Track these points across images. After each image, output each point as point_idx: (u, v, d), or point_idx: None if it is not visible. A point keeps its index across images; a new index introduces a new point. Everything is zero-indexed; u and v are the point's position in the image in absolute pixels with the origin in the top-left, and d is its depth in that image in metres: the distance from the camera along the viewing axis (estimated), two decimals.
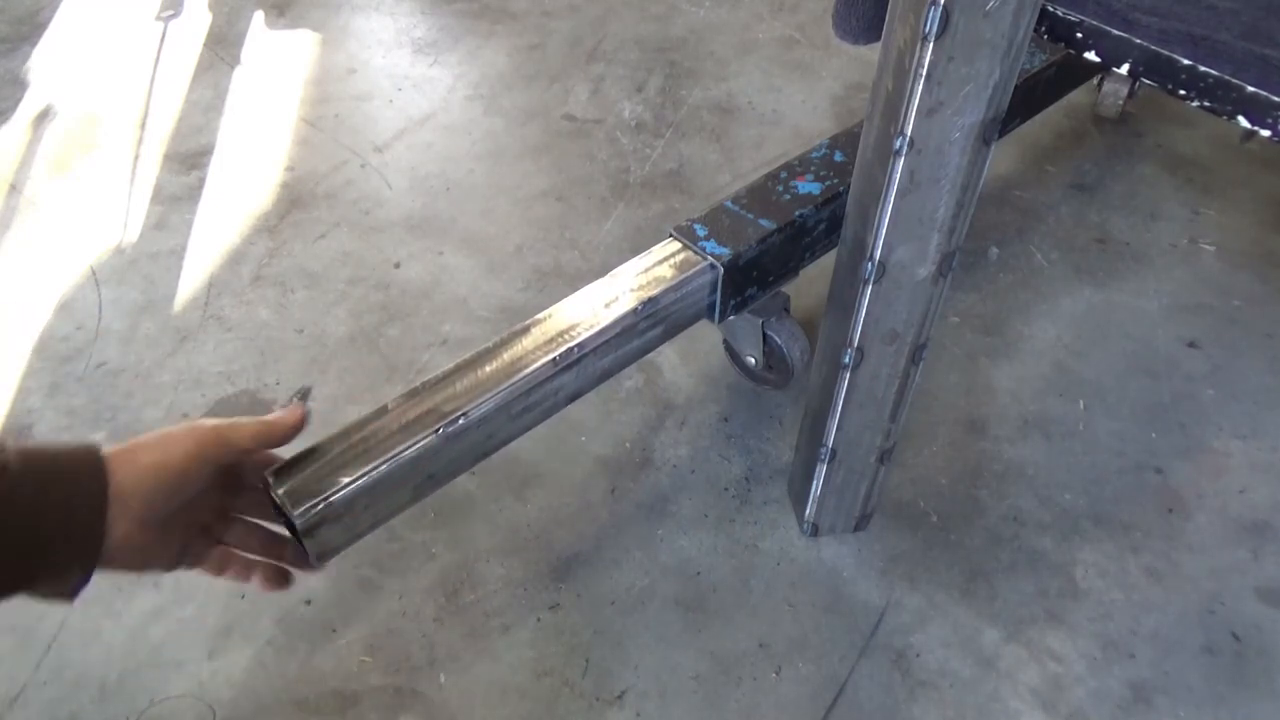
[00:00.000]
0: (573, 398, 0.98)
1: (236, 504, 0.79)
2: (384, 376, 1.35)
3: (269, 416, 0.75)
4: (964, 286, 1.45)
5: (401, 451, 0.82)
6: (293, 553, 0.81)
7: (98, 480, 0.61)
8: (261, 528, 0.80)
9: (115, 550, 0.63)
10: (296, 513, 0.76)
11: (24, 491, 0.57)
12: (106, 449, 0.64)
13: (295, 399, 1.30)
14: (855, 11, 1.00)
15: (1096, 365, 1.34)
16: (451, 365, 0.90)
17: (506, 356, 0.91)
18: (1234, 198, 1.59)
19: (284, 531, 0.80)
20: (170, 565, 0.71)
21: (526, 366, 0.90)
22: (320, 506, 0.77)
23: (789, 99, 1.82)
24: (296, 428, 0.76)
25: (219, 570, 0.76)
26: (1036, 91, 1.38)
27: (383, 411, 0.85)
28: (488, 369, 0.89)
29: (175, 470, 0.65)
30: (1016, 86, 0.75)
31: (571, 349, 0.93)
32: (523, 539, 1.17)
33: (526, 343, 0.93)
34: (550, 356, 0.91)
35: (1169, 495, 1.19)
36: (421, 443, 0.83)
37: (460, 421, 0.85)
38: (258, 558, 0.78)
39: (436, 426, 0.84)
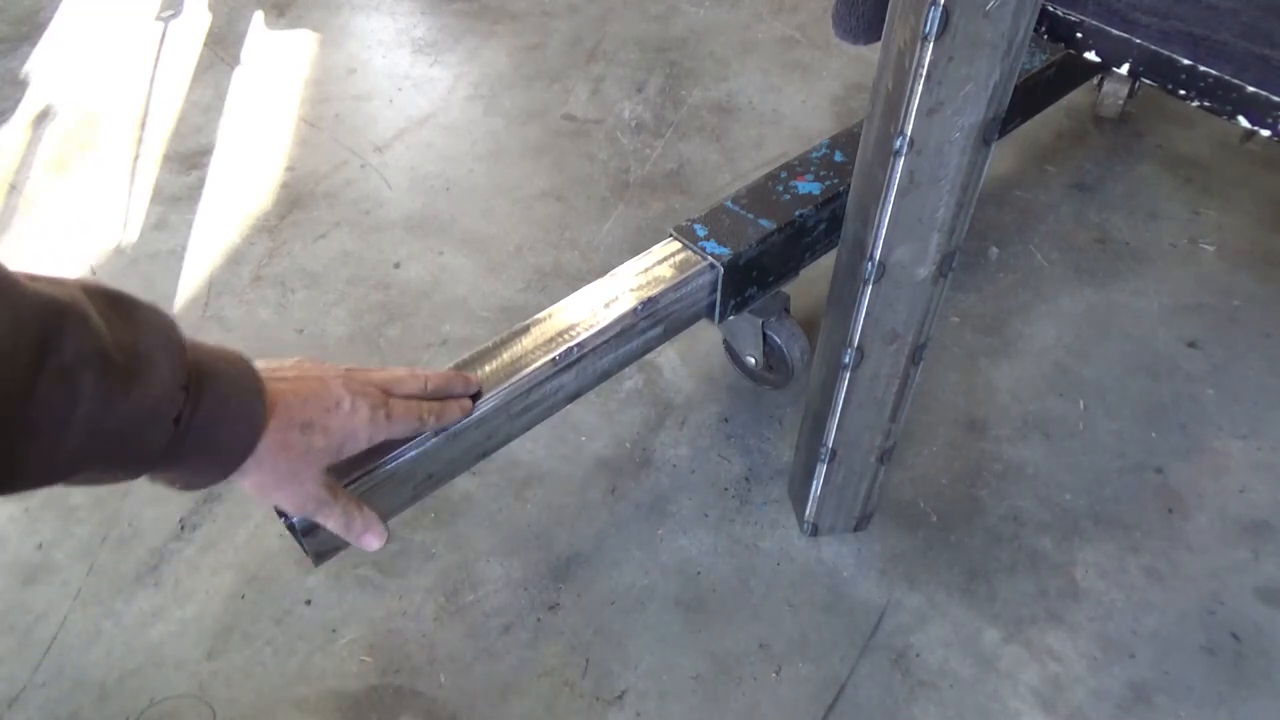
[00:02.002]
0: (573, 398, 0.98)
1: None
2: None
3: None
4: (964, 286, 1.45)
5: (401, 452, 0.81)
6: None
7: (259, 410, 0.64)
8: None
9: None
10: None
11: (193, 441, 0.60)
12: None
13: None
14: (855, 11, 1.00)
15: (1096, 365, 1.34)
16: (451, 365, 0.90)
17: (506, 356, 0.91)
18: (1234, 198, 1.59)
19: None
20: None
21: (526, 366, 0.90)
22: None
23: (789, 99, 1.82)
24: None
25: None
26: (1036, 91, 1.38)
27: None
28: (488, 369, 0.89)
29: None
30: (1016, 86, 0.75)
31: (571, 349, 0.92)
32: (523, 539, 1.17)
33: (526, 343, 0.92)
34: (550, 356, 0.91)
35: (1169, 495, 1.19)
36: (421, 443, 0.83)
37: (460, 421, 0.85)
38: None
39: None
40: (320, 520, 0.74)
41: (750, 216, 1.11)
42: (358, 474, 0.79)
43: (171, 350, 0.58)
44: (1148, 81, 0.87)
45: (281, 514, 0.78)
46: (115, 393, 0.53)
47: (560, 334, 0.94)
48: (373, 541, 0.77)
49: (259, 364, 0.67)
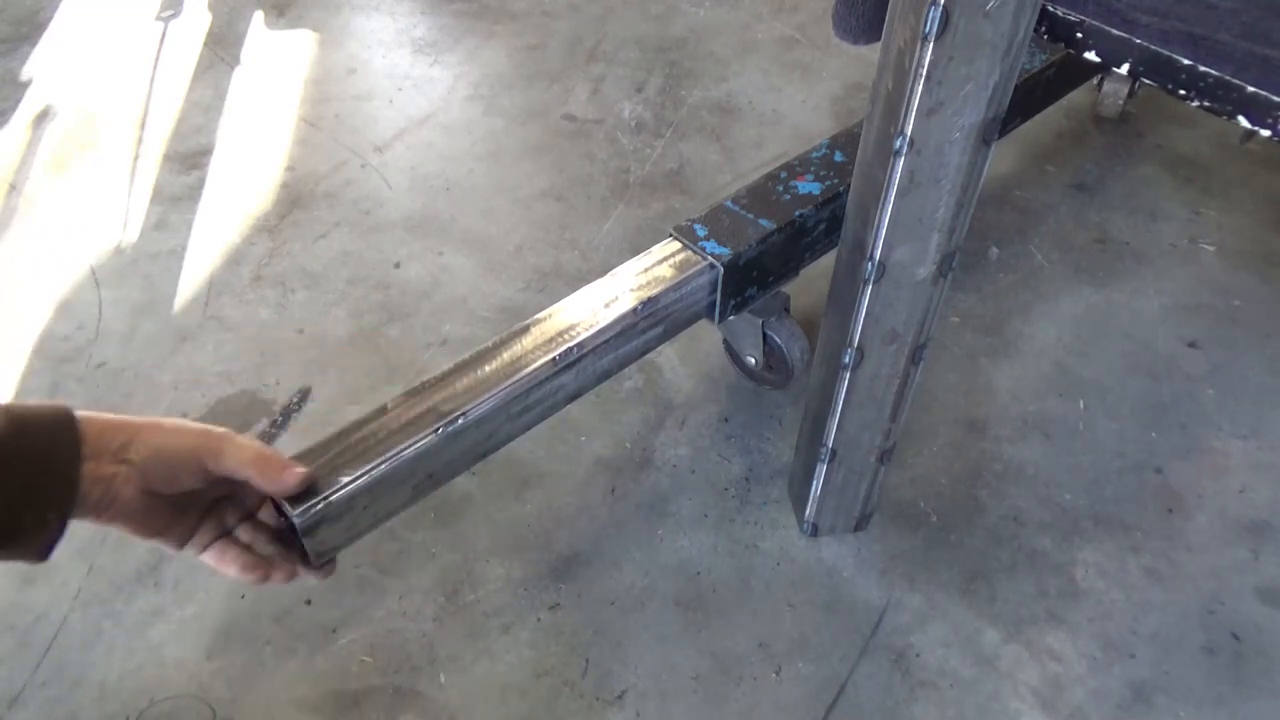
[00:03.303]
0: (572, 397, 0.98)
1: (246, 502, 0.79)
2: (384, 376, 1.35)
3: (275, 459, 0.75)
4: (964, 286, 1.45)
5: (401, 451, 0.82)
6: (294, 556, 0.81)
7: (71, 433, 0.65)
8: (269, 527, 0.80)
9: (120, 509, 0.68)
10: (296, 512, 0.76)
11: (8, 442, 0.62)
12: (113, 416, 0.68)
13: (295, 400, 1.30)
14: (855, 11, 1.00)
15: (1096, 365, 1.34)
16: (451, 365, 0.90)
17: (506, 356, 0.91)
18: (1234, 198, 1.59)
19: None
20: (180, 543, 0.74)
21: (526, 366, 0.90)
22: (320, 506, 0.77)
23: (789, 99, 1.82)
24: (289, 489, 0.76)
25: (218, 559, 0.76)
26: (1036, 91, 1.38)
27: (382, 411, 0.85)
28: (488, 369, 0.89)
29: (174, 461, 0.69)
30: (1016, 86, 0.75)
31: (571, 349, 0.93)
32: (523, 539, 1.17)
33: (526, 342, 0.92)
34: (550, 356, 0.91)
35: (1169, 495, 1.19)
36: (421, 442, 0.83)
37: (460, 421, 0.85)
38: (261, 554, 0.79)
39: (436, 426, 0.84)
40: (224, 452, 0.72)
41: (750, 216, 1.11)
42: (356, 473, 0.79)
43: None
44: (1148, 81, 0.87)
45: (281, 514, 0.79)
46: None
47: (560, 334, 0.94)
48: (289, 478, 0.75)
49: None
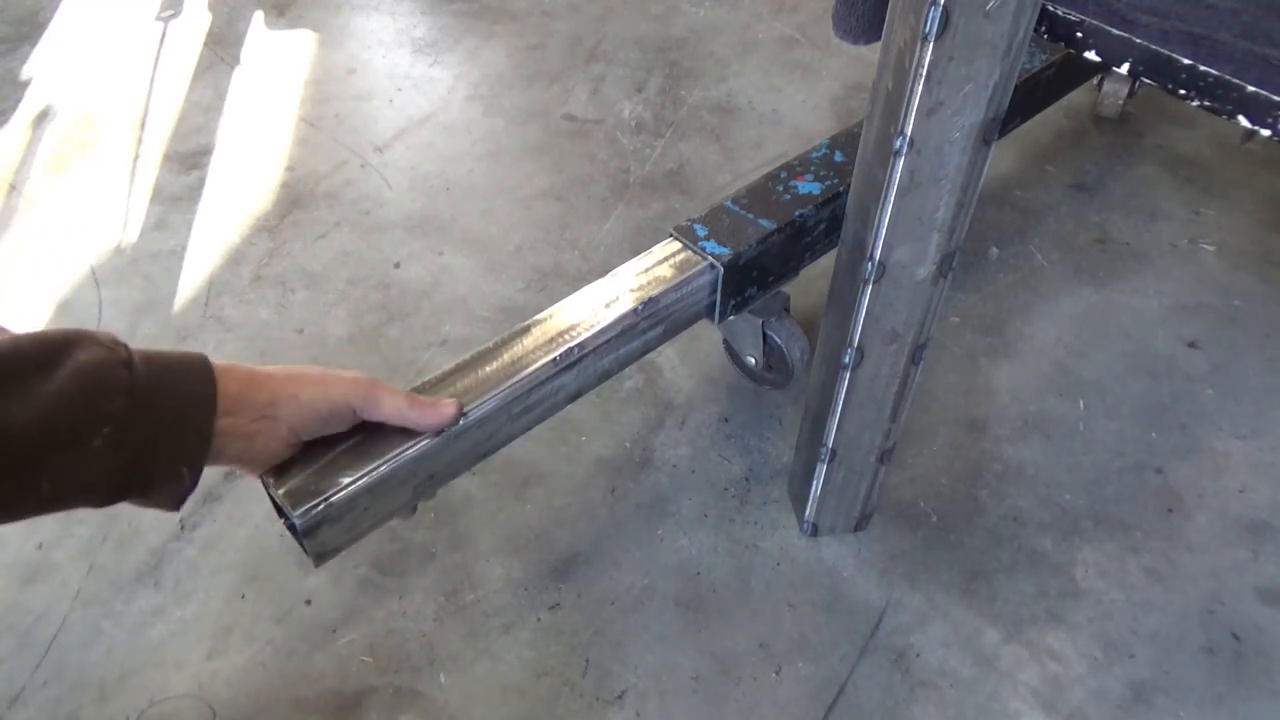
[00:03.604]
0: (573, 398, 0.98)
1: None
2: (384, 376, 1.34)
3: (426, 400, 0.81)
4: (964, 286, 1.45)
5: (401, 451, 0.81)
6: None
7: (208, 388, 0.67)
8: None
9: (258, 460, 0.73)
10: (296, 513, 0.76)
11: (150, 392, 0.63)
12: (253, 369, 0.71)
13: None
14: (855, 11, 1.00)
15: (1096, 365, 1.34)
16: (451, 365, 0.90)
17: (506, 356, 0.91)
18: (1234, 198, 1.59)
19: None
20: None
21: (526, 366, 0.90)
22: (320, 507, 0.77)
23: (789, 99, 1.82)
24: (443, 426, 0.82)
25: None
26: (1036, 91, 1.38)
27: None
28: (488, 369, 0.89)
29: (325, 413, 0.75)
30: (1016, 86, 0.75)
31: (571, 349, 0.93)
32: (523, 539, 1.17)
33: (526, 343, 0.92)
34: (550, 356, 0.91)
35: (1169, 495, 1.19)
36: (421, 443, 0.83)
37: (460, 422, 0.85)
38: None
39: None
40: (380, 400, 0.77)
41: (750, 216, 1.11)
42: (357, 474, 0.79)
43: (99, 334, 0.62)
44: (1148, 81, 0.87)
45: (281, 514, 0.79)
46: (52, 363, 0.57)
47: (561, 334, 0.94)
48: (447, 410, 0.81)
49: None
